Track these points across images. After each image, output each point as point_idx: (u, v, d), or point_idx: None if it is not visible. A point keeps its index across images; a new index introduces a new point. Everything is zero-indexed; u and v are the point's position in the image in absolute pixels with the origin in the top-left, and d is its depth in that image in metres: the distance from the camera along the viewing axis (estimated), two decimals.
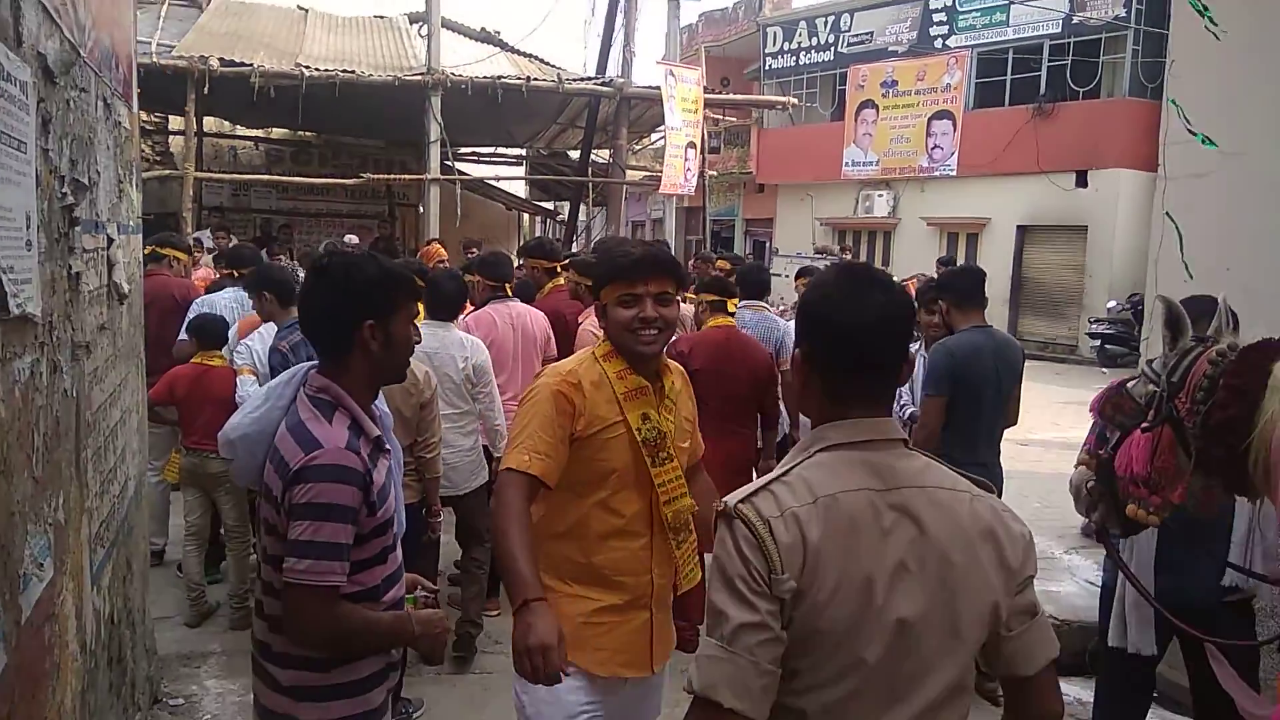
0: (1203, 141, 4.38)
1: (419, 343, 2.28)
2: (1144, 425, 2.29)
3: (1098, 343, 16.35)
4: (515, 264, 6.89)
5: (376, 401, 2.19)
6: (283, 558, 1.94)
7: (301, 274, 7.99)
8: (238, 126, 17.19)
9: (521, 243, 19.11)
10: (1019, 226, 19.52)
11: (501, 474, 2.28)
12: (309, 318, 2.12)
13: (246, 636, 4.65)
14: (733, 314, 4.91)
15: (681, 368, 2.62)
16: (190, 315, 5.20)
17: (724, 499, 1.51)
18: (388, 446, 2.15)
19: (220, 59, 12.19)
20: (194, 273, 7.08)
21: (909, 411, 4.98)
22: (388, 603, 2.10)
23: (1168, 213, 4.68)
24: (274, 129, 17.28)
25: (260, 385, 3.41)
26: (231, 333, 5.06)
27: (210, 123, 15.71)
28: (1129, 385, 2.40)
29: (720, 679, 1.42)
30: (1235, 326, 2.30)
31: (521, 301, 5.47)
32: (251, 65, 12.17)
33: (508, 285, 5.42)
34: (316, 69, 12.58)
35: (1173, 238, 4.61)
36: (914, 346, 5.10)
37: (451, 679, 4.36)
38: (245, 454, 2.11)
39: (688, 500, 2.42)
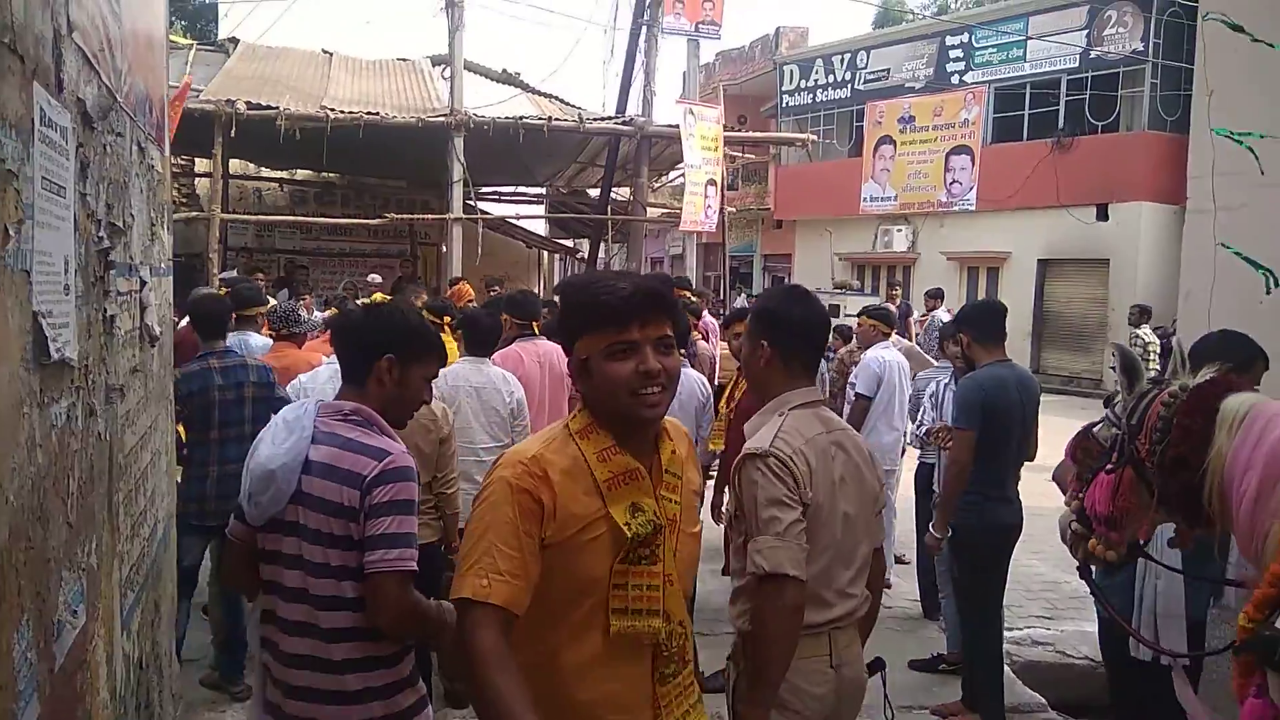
0: (1252, 151, 4.34)
1: (428, 402, 2.47)
2: (1108, 467, 2.38)
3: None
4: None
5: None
6: (353, 566, 2.12)
7: (318, 314, 8.01)
8: (262, 169, 17.43)
9: (541, 280, 19.23)
10: (1040, 260, 19.45)
11: (457, 607, 1.74)
12: (344, 340, 2.39)
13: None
14: None
15: (684, 428, 2.06)
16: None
17: (748, 446, 2.34)
18: None
19: (247, 102, 12.40)
20: None
21: (925, 428, 5.20)
22: None
23: (1223, 242, 4.59)
24: (298, 170, 17.50)
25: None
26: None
27: (236, 165, 15.92)
28: (1095, 429, 2.47)
29: (786, 559, 2.18)
30: (1189, 367, 2.37)
31: (549, 340, 5.47)
32: (277, 108, 12.37)
33: (535, 324, 5.43)
34: (341, 111, 12.77)
35: (1222, 265, 4.54)
36: (944, 380, 5.13)
37: None
38: (284, 482, 2.18)
39: (658, 623, 1.79)
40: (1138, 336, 12.30)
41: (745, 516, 2.33)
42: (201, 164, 15.57)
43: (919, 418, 5.52)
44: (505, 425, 4.55)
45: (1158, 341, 12.29)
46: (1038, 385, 4.43)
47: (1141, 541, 2.40)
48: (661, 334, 1.78)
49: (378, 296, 5.39)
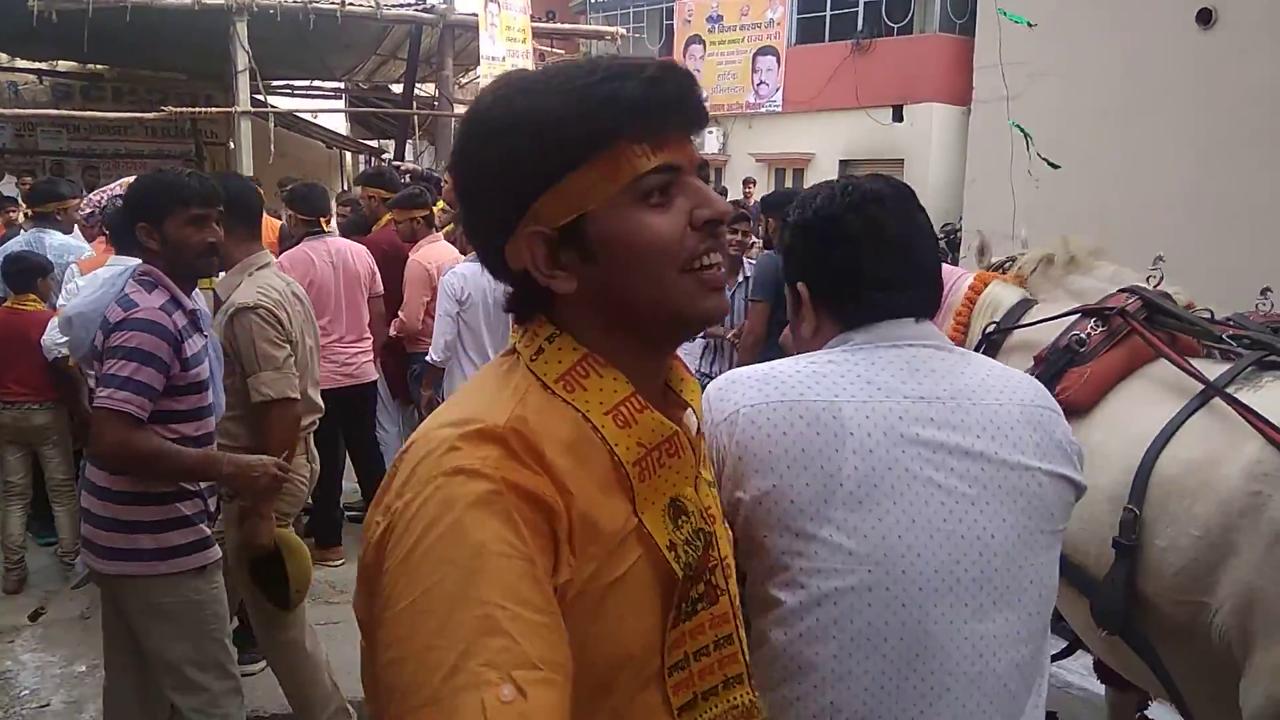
0: (1024, 23, 4.60)
1: (214, 240, 2.53)
2: None
3: None
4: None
5: (196, 297, 2.58)
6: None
7: None
8: (16, 59, 15.55)
9: (345, 183, 18.30)
10: (841, 161, 20.18)
11: None
12: (112, 230, 2.79)
13: (66, 605, 4.35)
14: None
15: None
16: None
17: (237, 301, 2.72)
18: (205, 331, 2.58)
19: None
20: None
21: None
22: None
23: (1014, 123, 4.82)
24: (59, 61, 15.71)
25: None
26: (70, 272, 4.53)
27: None
28: None
29: (287, 386, 2.80)
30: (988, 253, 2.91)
31: (348, 237, 5.21)
32: None
33: (323, 220, 5.11)
34: None
35: (1002, 153, 4.81)
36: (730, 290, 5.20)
37: None
38: (81, 330, 2.55)
39: (744, 694, 1.07)
40: None
41: (243, 359, 2.81)
42: None
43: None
44: None
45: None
46: None
47: None
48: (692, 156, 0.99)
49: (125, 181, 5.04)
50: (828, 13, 20.09)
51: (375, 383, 5.17)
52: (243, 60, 12.42)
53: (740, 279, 4.97)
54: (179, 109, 13.56)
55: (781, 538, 1.24)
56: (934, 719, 1.22)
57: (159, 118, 13.25)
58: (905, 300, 1.36)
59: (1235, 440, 1.88)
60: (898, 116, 18.82)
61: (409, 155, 16.02)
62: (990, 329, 2.59)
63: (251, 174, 11.66)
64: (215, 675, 2.56)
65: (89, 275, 4.23)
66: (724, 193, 13.31)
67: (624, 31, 18.89)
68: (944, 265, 2.35)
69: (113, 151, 15.83)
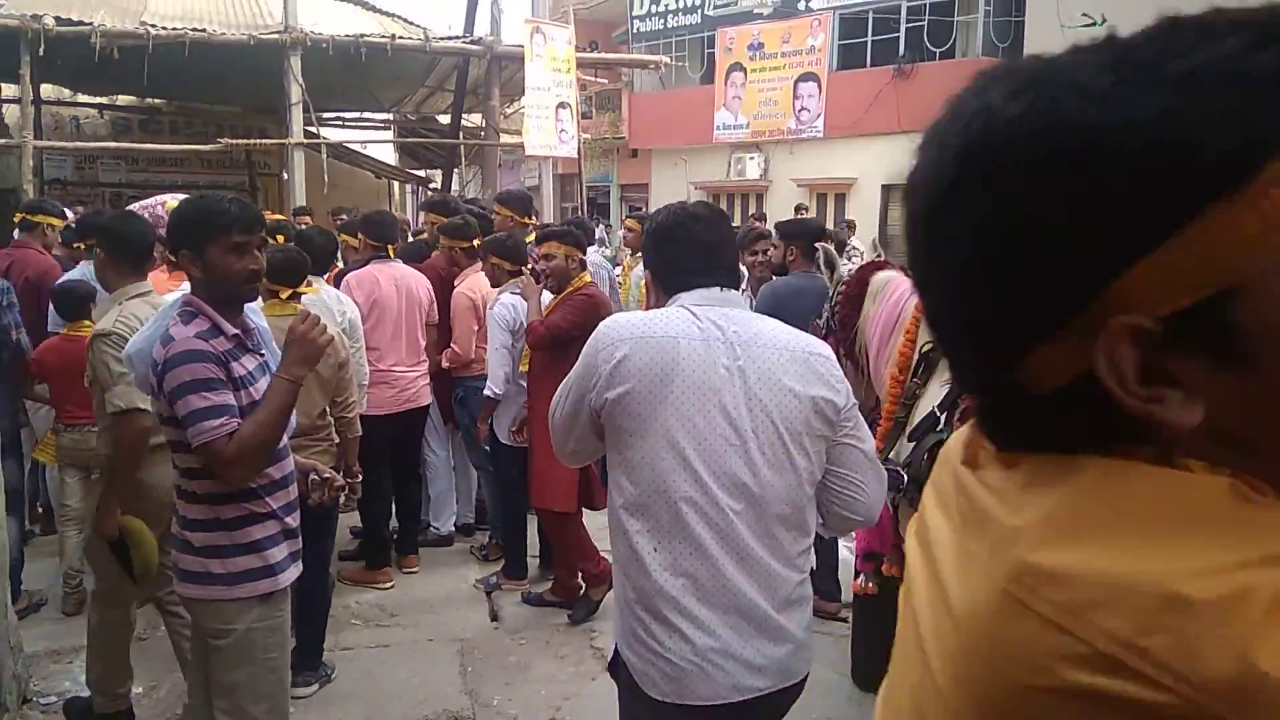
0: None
1: (258, 270, 2.54)
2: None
3: None
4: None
5: (253, 318, 2.68)
6: (183, 441, 2.43)
7: None
8: (79, 94, 16.04)
9: (392, 212, 18.56)
10: (883, 186, 20.11)
11: None
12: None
13: None
14: None
15: None
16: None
17: (96, 328, 2.98)
18: (258, 350, 2.61)
19: (56, 18, 11.29)
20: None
21: None
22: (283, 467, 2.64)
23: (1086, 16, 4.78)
24: (119, 95, 16.19)
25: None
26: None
27: (48, 90, 14.60)
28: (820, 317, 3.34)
29: (137, 397, 3.04)
30: (832, 266, 3.32)
31: (406, 263, 5.34)
32: (91, 24, 11.31)
33: (390, 247, 5.27)
34: (163, 28, 11.81)
35: None
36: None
37: (350, 652, 4.25)
38: (141, 366, 2.60)
39: None
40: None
41: (99, 379, 3.13)
42: (8, 89, 14.21)
43: None
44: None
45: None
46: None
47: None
48: None
49: (171, 203, 5.19)
50: (869, 38, 20.11)
51: (429, 406, 5.30)
52: (296, 93, 12.71)
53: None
54: (234, 141, 13.90)
55: (626, 420, 1.94)
56: (709, 536, 1.91)
57: (214, 150, 13.58)
58: (712, 281, 2.06)
59: None
60: None
61: (455, 185, 16.24)
62: (926, 347, 2.78)
63: (304, 203, 11.92)
64: (266, 708, 2.60)
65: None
66: (763, 218, 13.36)
67: (666, 61, 19.04)
68: (897, 279, 2.99)
69: (170, 183, 16.16)
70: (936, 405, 2.60)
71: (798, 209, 15.46)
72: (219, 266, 2.47)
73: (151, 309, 3.36)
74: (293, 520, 2.65)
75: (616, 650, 2.09)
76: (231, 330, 2.52)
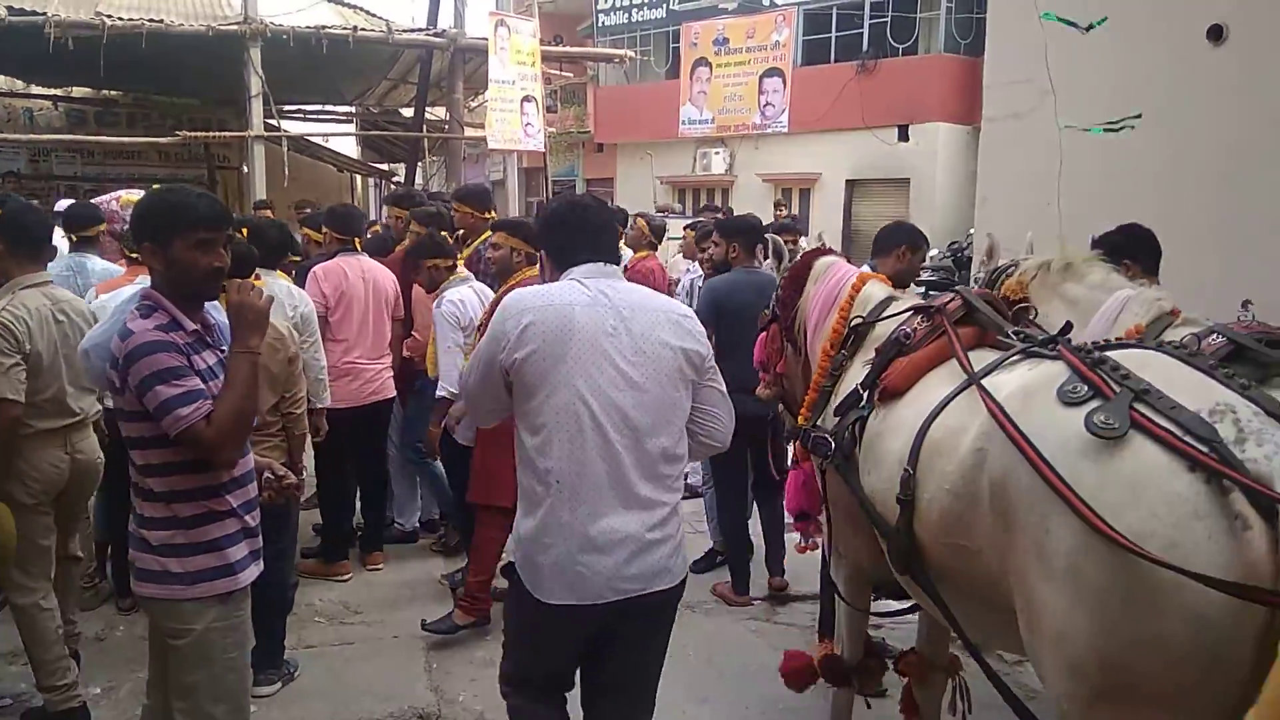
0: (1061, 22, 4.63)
1: (222, 268, 2.48)
2: (760, 327, 3.53)
3: (922, 289, 17.20)
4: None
5: (214, 314, 2.60)
6: (143, 437, 2.40)
7: None
8: (32, 85, 15.72)
9: (355, 205, 18.39)
10: (847, 180, 20.25)
11: None
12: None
13: (82, 625, 4.34)
14: None
15: None
16: None
17: None
18: (219, 346, 2.54)
19: (8, 7, 11.05)
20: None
21: None
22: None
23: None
24: (75, 87, 15.88)
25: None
26: (89, 294, 4.59)
27: (0, 81, 14.29)
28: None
29: (7, 388, 3.18)
30: (780, 256, 3.56)
31: (370, 256, 5.29)
32: (45, 14, 11.05)
33: (356, 240, 5.24)
34: (119, 18, 11.58)
35: (1014, 173, 4.85)
36: (695, 276, 6.38)
37: (313, 650, 4.21)
38: (97, 361, 2.56)
39: None
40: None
41: None
42: None
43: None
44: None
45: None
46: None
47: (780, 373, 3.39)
48: None
49: (127, 197, 5.09)
50: (833, 34, 20.21)
51: (394, 399, 5.25)
52: (256, 85, 12.52)
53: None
54: (192, 134, 13.69)
55: (533, 375, 2.32)
56: (604, 469, 2.32)
57: (172, 143, 13.37)
58: (598, 257, 2.47)
59: (977, 412, 2.21)
60: (903, 136, 18.87)
61: (419, 178, 16.10)
62: (856, 321, 3.01)
63: (265, 196, 11.77)
64: (226, 709, 2.54)
65: (109, 295, 4.29)
66: (729, 213, 13.32)
67: (632, 54, 19.03)
68: (839, 263, 3.24)
69: (126, 176, 15.92)
70: (860, 383, 2.80)
71: (777, 205, 15.49)
72: (183, 262, 2.41)
73: (46, 300, 3.41)
74: (253, 519, 2.59)
75: (510, 562, 2.49)
76: (191, 325, 2.46)
